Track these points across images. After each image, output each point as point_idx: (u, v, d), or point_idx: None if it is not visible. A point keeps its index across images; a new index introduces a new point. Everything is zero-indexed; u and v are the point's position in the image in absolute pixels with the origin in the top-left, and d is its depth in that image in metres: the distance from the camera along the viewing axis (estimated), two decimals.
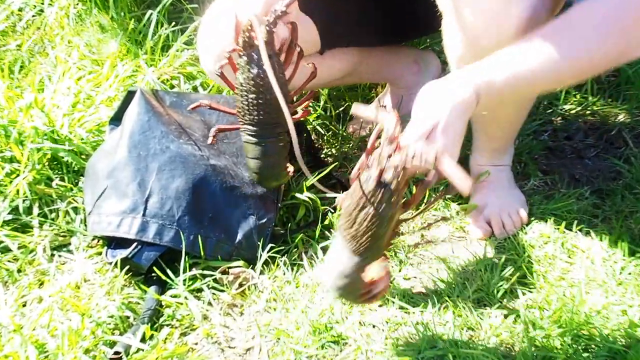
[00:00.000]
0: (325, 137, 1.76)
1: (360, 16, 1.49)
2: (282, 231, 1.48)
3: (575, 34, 1.01)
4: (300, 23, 1.31)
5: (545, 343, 1.24)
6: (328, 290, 1.14)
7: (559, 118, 1.81)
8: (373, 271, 1.05)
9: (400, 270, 1.42)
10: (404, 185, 1.00)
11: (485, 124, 1.50)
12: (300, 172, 1.63)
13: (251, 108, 1.26)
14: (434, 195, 1.42)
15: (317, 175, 1.43)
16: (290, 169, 1.40)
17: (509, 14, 1.06)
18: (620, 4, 1.01)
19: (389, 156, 0.98)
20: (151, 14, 1.86)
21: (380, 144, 1.00)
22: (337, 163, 1.65)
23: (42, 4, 2.01)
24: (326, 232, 1.48)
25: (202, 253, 1.36)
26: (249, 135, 1.32)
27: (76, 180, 1.57)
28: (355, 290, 1.09)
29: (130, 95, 1.50)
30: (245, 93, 1.25)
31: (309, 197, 1.50)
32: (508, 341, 1.26)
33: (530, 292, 1.37)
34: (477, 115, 1.46)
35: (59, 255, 1.45)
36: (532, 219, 1.55)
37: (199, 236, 1.35)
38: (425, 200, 1.11)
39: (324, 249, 1.45)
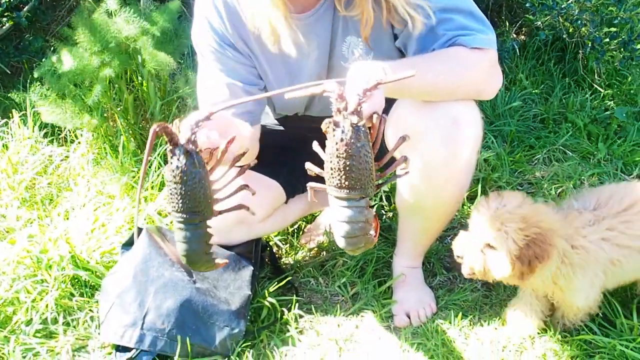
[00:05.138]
0: (283, 249, 1.90)
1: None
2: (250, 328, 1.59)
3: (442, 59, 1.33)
4: (270, 185, 1.62)
5: None
6: (344, 244, 1.09)
7: (458, 224, 1.98)
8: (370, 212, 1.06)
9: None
10: (367, 123, 1.05)
11: (418, 235, 1.65)
12: (265, 279, 1.77)
13: (171, 196, 1.13)
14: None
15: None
16: (220, 260, 1.21)
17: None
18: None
19: (345, 109, 1.01)
20: (151, 159, 2.01)
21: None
22: (292, 271, 1.79)
23: (68, 151, 2.16)
24: (284, 328, 1.60)
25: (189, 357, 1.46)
26: (174, 221, 1.16)
27: (92, 294, 1.68)
28: (366, 229, 1.07)
29: (139, 230, 1.63)
30: (168, 183, 1.12)
31: (270, 302, 1.62)
32: None
33: None
34: (412, 228, 1.63)
35: (79, 356, 1.54)
36: (439, 308, 1.69)
37: (185, 344, 1.45)
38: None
39: (284, 341, 1.57)
